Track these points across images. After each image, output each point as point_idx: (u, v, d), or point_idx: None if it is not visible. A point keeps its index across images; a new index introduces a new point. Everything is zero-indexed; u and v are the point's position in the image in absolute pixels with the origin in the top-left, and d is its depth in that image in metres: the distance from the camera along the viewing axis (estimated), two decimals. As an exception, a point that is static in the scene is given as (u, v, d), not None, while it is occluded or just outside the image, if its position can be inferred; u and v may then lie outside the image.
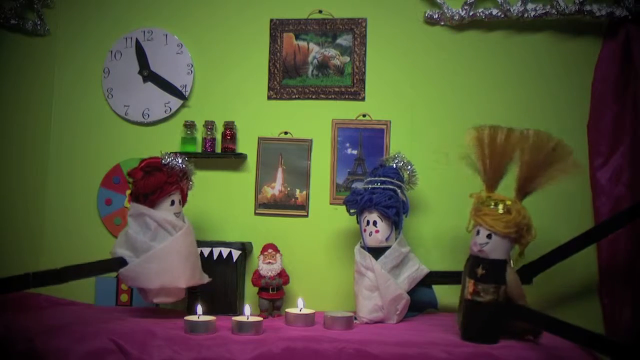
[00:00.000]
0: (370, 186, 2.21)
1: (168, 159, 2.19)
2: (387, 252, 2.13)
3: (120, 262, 2.12)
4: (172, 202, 2.17)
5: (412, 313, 2.19)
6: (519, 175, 1.91)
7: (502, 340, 1.83)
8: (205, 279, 2.23)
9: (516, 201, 1.89)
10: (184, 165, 2.22)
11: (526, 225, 1.86)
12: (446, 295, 2.28)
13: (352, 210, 2.25)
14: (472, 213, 1.93)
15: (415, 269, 2.18)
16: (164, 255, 2.09)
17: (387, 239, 2.15)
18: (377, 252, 2.14)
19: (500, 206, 1.86)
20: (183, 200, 2.24)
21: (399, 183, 2.21)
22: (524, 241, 1.88)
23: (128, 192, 2.55)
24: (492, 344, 1.81)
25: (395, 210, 2.16)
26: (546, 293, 2.29)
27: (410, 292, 2.15)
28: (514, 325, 1.86)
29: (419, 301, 2.21)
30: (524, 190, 1.91)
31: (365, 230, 2.17)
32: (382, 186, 2.18)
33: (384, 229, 2.15)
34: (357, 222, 2.23)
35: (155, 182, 2.13)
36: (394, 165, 2.26)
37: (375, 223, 2.15)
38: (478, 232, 1.89)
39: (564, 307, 2.30)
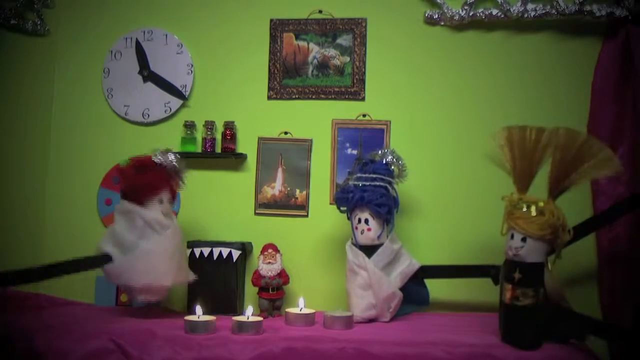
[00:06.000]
0: (360, 183, 2.17)
1: (159, 157, 2.17)
2: (380, 250, 2.12)
3: (106, 258, 2.10)
4: (161, 201, 2.16)
5: (406, 307, 2.18)
6: (550, 175, 1.85)
7: (544, 345, 1.77)
8: (191, 276, 2.22)
9: (549, 202, 1.82)
10: (175, 164, 2.19)
11: (561, 226, 1.79)
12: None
13: (342, 208, 2.23)
14: (505, 216, 1.86)
15: (407, 264, 2.17)
16: (150, 254, 2.07)
17: (379, 237, 2.14)
18: (369, 249, 2.13)
19: (533, 208, 1.79)
20: (172, 199, 2.22)
21: (390, 179, 2.18)
22: (560, 241, 1.81)
23: (128, 192, 2.56)
24: (535, 349, 1.75)
25: (387, 209, 2.14)
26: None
27: (403, 288, 2.14)
28: (556, 329, 1.80)
29: (412, 294, 2.20)
30: (556, 189, 1.85)
31: (357, 228, 2.15)
32: (373, 183, 2.15)
33: (375, 227, 2.14)
34: (348, 219, 2.21)
35: (145, 180, 2.12)
36: (384, 160, 2.21)
37: (367, 221, 2.14)
38: (512, 236, 1.81)
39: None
